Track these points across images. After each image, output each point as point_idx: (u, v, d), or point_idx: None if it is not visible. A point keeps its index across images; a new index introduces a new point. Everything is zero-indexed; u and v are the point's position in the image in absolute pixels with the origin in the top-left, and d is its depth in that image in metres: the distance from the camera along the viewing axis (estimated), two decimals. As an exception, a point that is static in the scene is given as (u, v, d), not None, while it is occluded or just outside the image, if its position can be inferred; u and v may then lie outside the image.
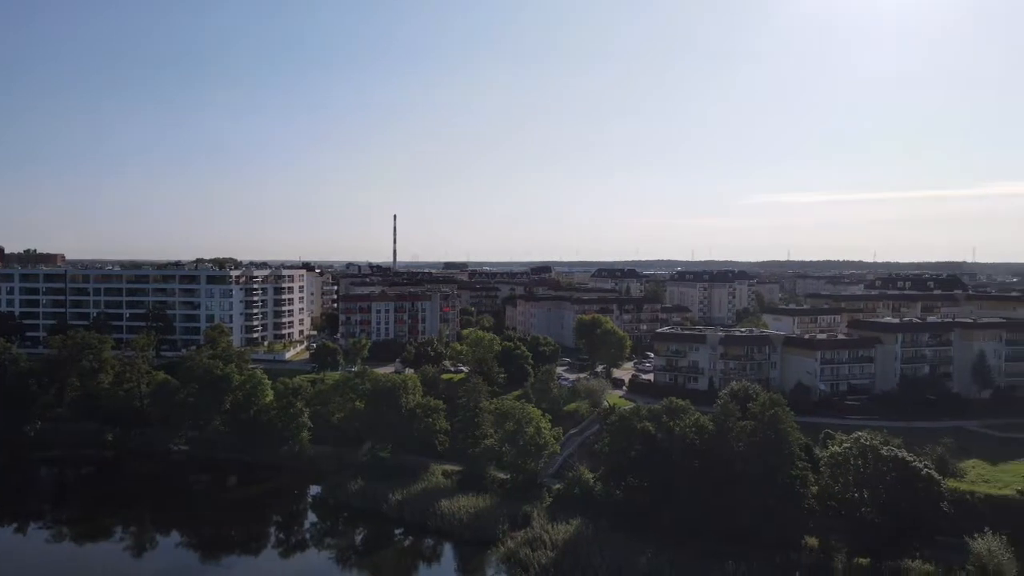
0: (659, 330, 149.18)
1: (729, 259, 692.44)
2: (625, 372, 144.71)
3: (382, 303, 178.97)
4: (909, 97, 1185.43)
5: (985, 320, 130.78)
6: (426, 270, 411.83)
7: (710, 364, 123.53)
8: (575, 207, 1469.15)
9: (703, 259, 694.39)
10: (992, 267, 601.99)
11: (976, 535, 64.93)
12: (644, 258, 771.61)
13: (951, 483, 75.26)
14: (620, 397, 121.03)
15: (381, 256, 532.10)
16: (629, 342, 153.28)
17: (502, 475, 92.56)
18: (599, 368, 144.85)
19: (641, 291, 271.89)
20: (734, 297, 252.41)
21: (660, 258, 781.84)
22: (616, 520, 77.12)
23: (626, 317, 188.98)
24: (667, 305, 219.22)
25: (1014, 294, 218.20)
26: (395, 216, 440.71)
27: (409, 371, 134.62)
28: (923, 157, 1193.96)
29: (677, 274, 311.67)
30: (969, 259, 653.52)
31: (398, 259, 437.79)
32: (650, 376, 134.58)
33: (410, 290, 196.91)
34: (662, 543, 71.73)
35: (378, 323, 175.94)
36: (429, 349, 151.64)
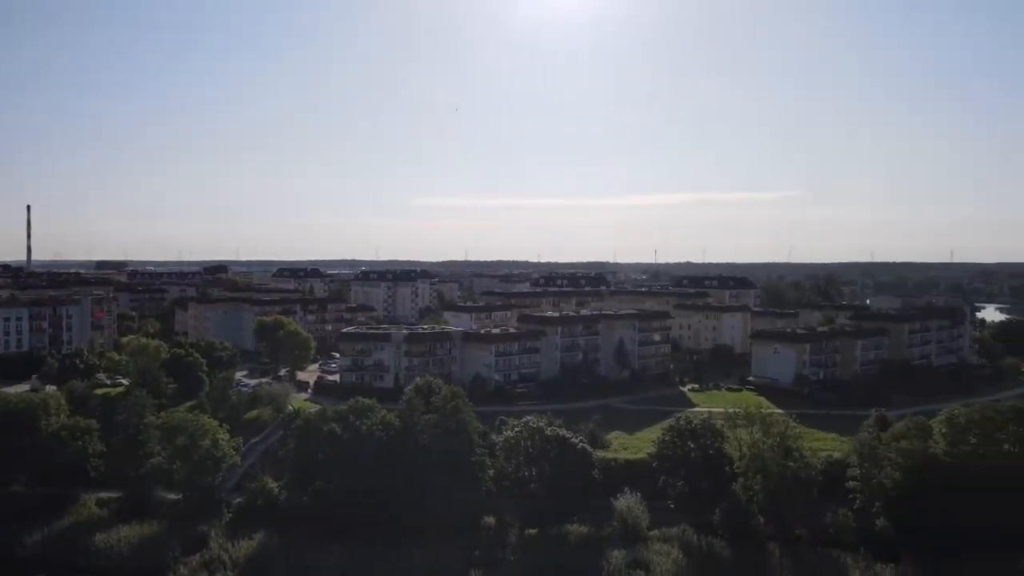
0: (344, 330, 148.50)
1: (413, 259, 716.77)
2: (310, 374, 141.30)
3: (11, 309, 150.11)
4: (565, 112, 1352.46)
5: (623, 312, 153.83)
6: (73, 270, 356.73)
7: (395, 362, 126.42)
8: (254, 204, 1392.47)
9: (387, 259, 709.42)
10: (629, 267, 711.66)
11: (619, 495, 76.25)
12: (327, 257, 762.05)
13: (600, 453, 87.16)
14: (305, 400, 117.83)
15: (12, 254, 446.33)
16: (314, 343, 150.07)
17: (173, 496, 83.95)
18: (283, 371, 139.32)
19: (325, 291, 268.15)
20: (417, 296, 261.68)
21: (344, 257, 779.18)
22: (306, 526, 75.01)
23: (310, 318, 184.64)
24: (352, 305, 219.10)
25: (643, 290, 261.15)
26: (28, 207, 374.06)
27: (51, 388, 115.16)
28: (576, 170, 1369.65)
29: (361, 273, 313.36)
30: (611, 260, 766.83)
31: (35, 257, 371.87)
32: (336, 377, 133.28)
33: (51, 293, 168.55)
34: (353, 542, 71.65)
35: (6, 333, 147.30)
36: (78, 361, 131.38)
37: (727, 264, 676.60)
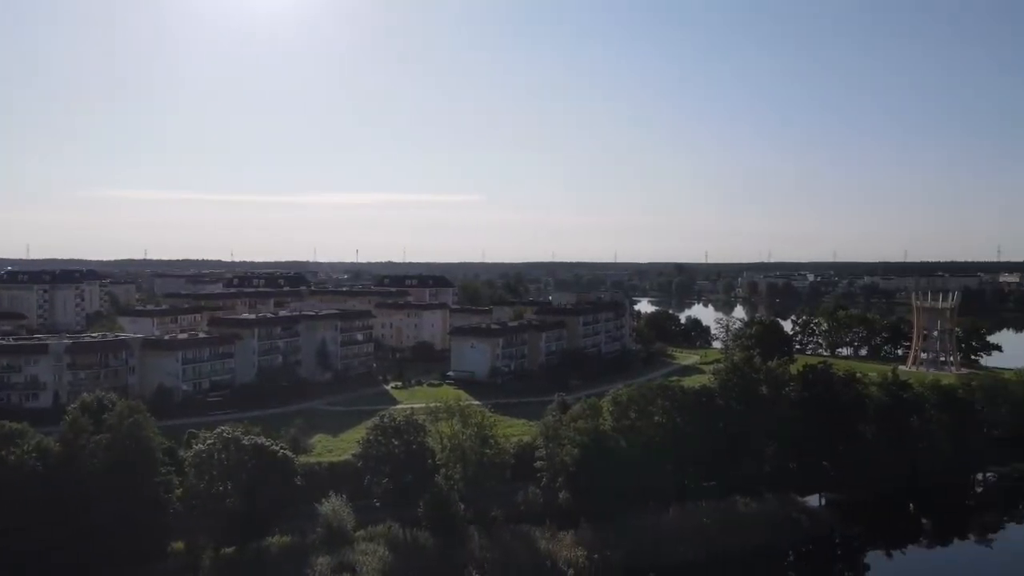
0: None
1: (77, 257, 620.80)
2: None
3: None
4: (263, 109, 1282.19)
5: (325, 312, 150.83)
6: None
7: (55, 377, 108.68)
8: None
9: (43, 257, 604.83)
10: (330, 266, 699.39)
11: (324, 500, 74.55)
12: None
13: (303, 459, 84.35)
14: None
15: None
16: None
17: None
18: None
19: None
20: (83, 300, 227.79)
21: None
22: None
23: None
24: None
25: (346, 289, 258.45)
26: None
27: None
28: (273, 167, 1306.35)
29: (7, 274, 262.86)
30: (312, 259, 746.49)
31: None
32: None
33: None
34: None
35: None
36: None
37: (426, 264, 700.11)
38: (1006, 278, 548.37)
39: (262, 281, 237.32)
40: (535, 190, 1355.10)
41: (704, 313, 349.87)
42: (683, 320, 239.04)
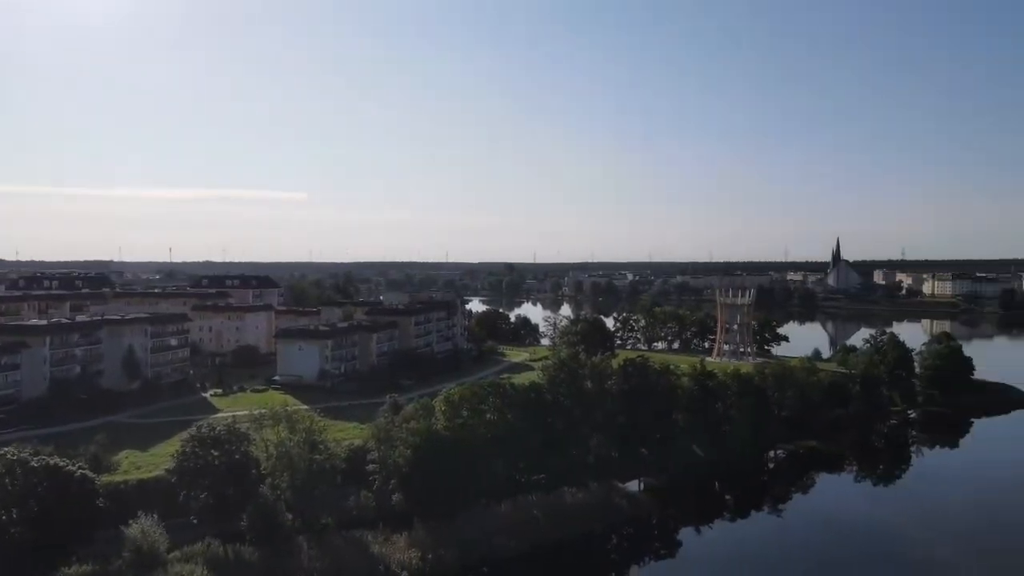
0: None
1: None
2: None
3: None
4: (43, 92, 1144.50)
5: (132, 316, 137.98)
6: None
7: None
8: None
9: None
10: (138, 265, 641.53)
11: (132, 521, 68.09)
12: None
13: (106, 478, 76.66)
14: None
15: None
16: None
17: None
18: None
19: None
20: None
21: None
22: None
23: None
24: None
25: (157, 291, 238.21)
26: None
27: None
28: (66, 156, 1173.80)
29: None
30: (116, 258, 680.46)
31: None
32: None
33: None
34: None
35: None
36: None
37: (250, 264, 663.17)
38: (792, 276, 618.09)
39: (56, 282, 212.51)
40: (364, 189, 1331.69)
41: (533, 311, 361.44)
42: (513, 319, 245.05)
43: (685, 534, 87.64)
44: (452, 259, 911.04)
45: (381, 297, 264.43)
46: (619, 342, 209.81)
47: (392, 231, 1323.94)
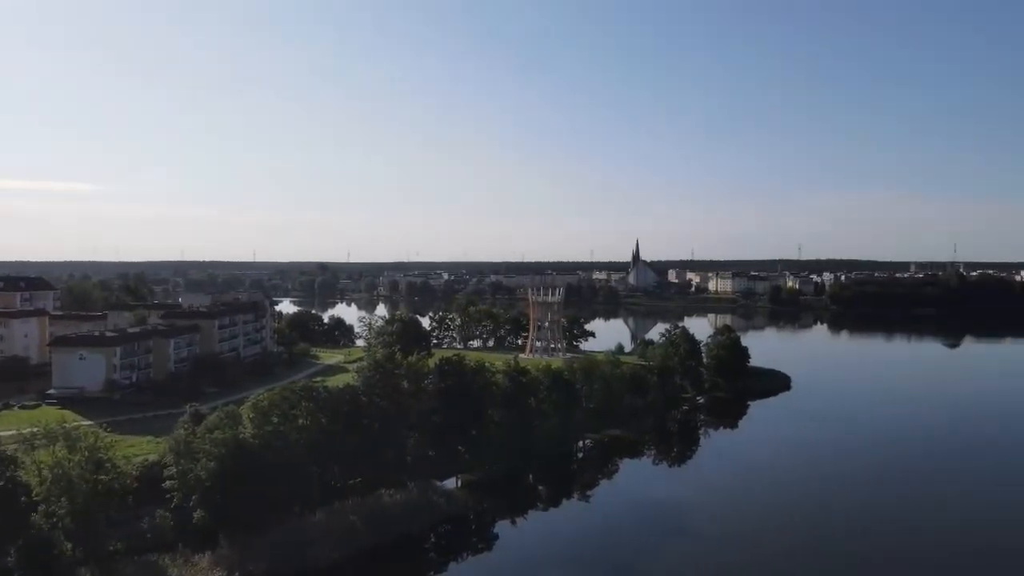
0: None
1: None
2: None
3: None
4: None
5: None
6: None
7: None
8: None
9: None
10: None
11: None
12: None
13: None
14: None
15: None
16: None
17: None
18: None
19: None
20: None
21: None
22: None
23: None
24: None
25: None
26: None
27: None
28: None
29: None
30: None
31: None
32: None
33: None
34: None
35: None
36: None
37: (18, 263, 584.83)
38: (597, 275, 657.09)
39: None
40: (157, 181, 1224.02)
41: (348, 312, 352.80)
42: (327, 320, 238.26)
43: (501, 527, 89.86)
44: (260, 259, 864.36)
45: (180, 299, 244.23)
46: (435, 341, 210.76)
47: (192, 228, 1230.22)
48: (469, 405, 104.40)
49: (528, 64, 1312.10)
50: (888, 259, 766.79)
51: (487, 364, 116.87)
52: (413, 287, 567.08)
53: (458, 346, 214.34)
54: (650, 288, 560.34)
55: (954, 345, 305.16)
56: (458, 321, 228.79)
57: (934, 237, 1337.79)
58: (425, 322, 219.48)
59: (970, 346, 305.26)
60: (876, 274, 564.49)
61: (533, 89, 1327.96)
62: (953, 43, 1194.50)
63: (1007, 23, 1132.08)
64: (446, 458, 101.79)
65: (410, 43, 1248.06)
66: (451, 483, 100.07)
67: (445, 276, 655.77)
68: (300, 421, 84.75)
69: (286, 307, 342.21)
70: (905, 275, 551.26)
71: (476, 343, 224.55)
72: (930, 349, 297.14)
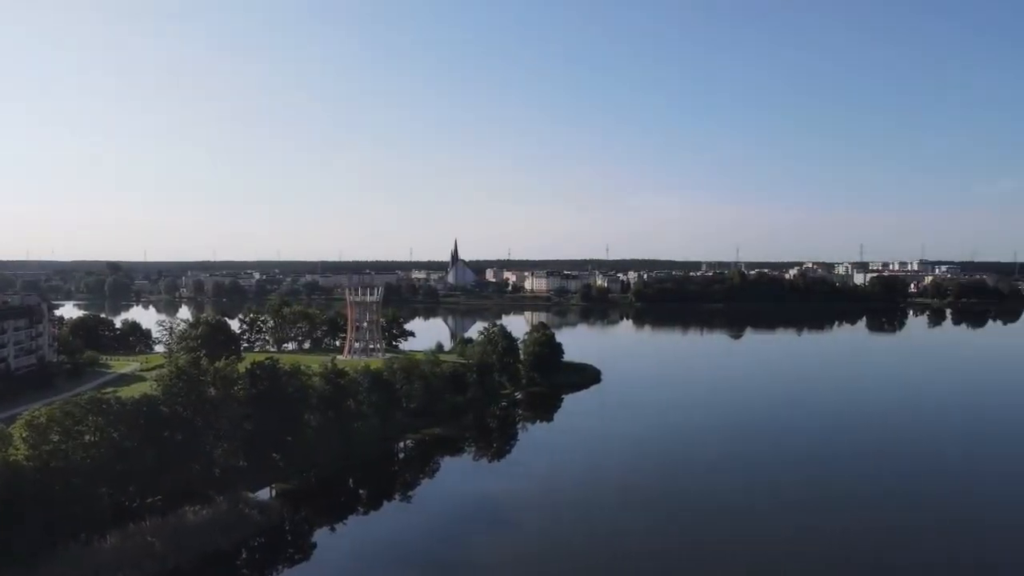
0: None
1: None
2: None
3: None
4: None
5: None
6: None
7: None
8: None
9: None
10: None
11: None
12: None
13: None
14: None
15: None
16: None
17: None
18: None
19: None
20: None
21: None
22: None
23: None
24: None
25: None
26: None
27: None
28: None
29: None
30: None
31: None
32: None
33: None
34: None
35: None
36: None
37: None
38: (417, 275, 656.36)
39: None
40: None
41: (145, 315, 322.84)
42: (119, 324, 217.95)
43: (320, 535, 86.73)
44: (34, 257, 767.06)
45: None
46: (246, 345, 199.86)
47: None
48: (283, 410, 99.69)
49: (336, 55, 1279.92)
50: (684, 259, 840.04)
51: (303, 367, 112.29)
52: (221, 288, 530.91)
53: (272, 349, 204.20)
54: (469, 287, 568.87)
55: (737, 336, 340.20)
56: (271, 323, 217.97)
57: (721, 240, 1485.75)
58: (235, 324, 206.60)
59: (750, 336, 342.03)
60: (673, 273, 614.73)
61: (352, 74, 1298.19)
62: (702, 65, 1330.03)
63: (752, 39, 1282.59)
64: (259, 467, 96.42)
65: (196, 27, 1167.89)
66: (265, 493, 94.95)
67: (256, 276, 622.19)
68: (88, 437, 76.17)
69: (69, 311, 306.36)
70: (697, 274, 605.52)
71: (291, 345, 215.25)
72: (719, 340, 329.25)
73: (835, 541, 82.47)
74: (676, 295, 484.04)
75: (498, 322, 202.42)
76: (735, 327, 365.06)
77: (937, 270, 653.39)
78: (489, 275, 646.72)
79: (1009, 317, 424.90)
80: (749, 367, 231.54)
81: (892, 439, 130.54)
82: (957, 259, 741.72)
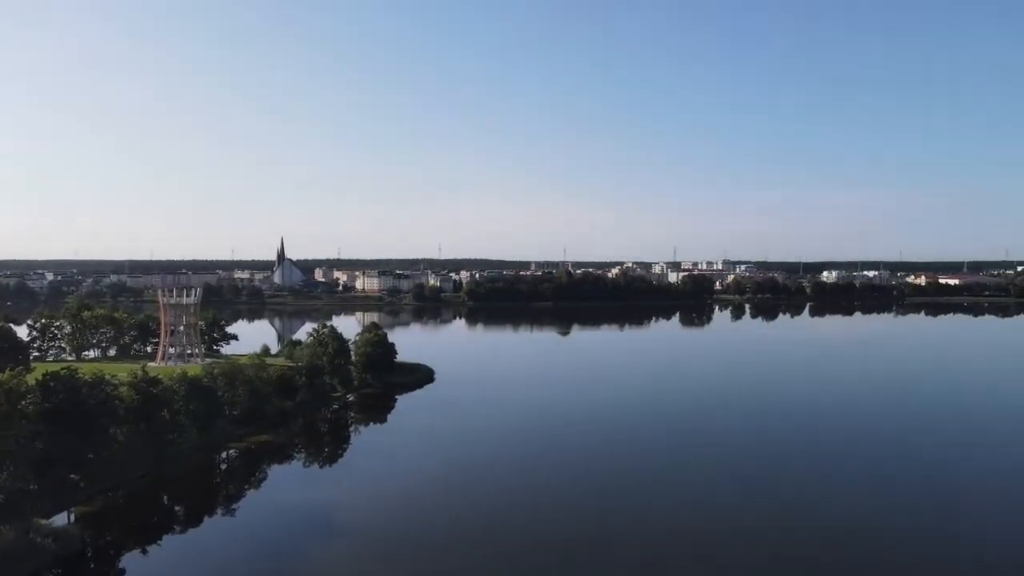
0: None
1: None
2: None
3: None
4: None
5: None
6: None
7: None
8: None
9: None
10: None
11: None
12: None
13: None
14: None
15: None
16: None
17: None
18: None
19: None
20: None
21: None
22: None
23: None
24: None
25: None
26: None
27: None
28: None
29: None
30: None
31: None
32: None
33: None
34: None
35: None
36: None
37: None
38: (240, 275, 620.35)
39: None
40: None
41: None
42: None
43: (129, 559, 78.94)
44: None
45: None
46: (37, 354, 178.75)
47: None
48: (83, 425, 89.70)
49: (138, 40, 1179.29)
50: (515, 259, 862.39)
51: (107, 376, 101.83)
52: (5, 290, 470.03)
53: (69, 358, 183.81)
54: (297, 287, 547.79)
55: (565, 333, 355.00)
56: (68, 328, 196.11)
57: (550, 239, 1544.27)
58: (22, 331, 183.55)
59: (577, 333, 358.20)
60: (504, 272, 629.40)
61: (159, 49, 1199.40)
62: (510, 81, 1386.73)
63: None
64: (54, 490, 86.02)
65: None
66: (62, 518, 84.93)
67: (49, 277, 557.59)
68: None
69: None
70: (527, 273, 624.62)
71: (94, 353, 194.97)
72: (548, 337, 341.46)
73: (632, 524, 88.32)
74: (507, 294, 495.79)
75: (328, 323, 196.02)
76: (563, 324, 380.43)
77: (737, 269, 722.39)
78: (318, 275, 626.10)
79: (795, 311, 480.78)
80: (577, 363, 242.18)
81: (711, 429, 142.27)
82: (754, 259, 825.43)
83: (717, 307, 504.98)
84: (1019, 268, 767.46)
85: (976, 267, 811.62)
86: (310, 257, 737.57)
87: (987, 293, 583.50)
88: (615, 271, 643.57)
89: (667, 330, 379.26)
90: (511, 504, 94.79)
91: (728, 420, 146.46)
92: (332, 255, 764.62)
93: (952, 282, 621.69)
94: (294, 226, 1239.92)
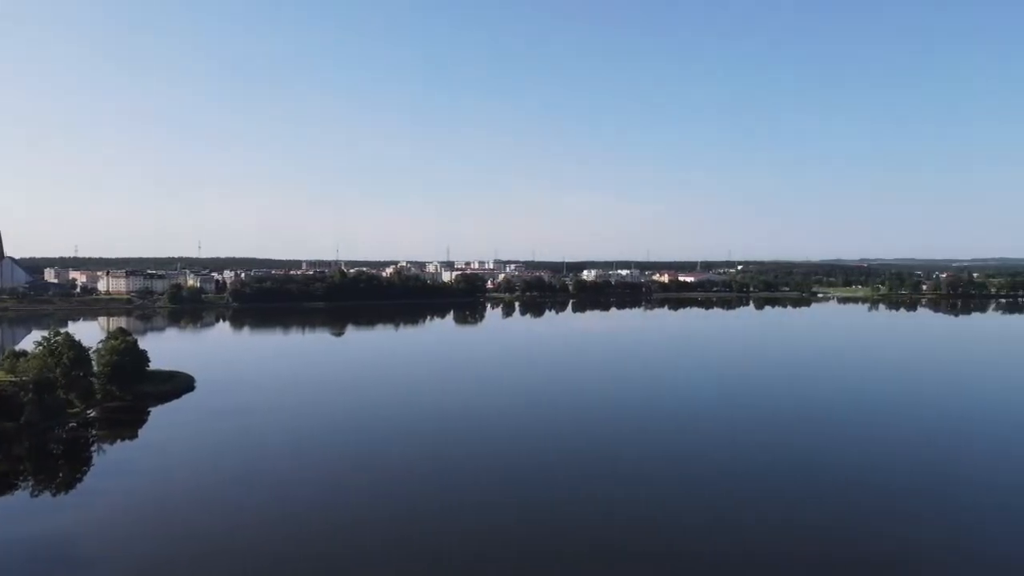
0: None
1: None
2: None
3: None
4: None
5: None
6: None
7: None
8: None
9: None
10: None
11: None
12: None
13: None
14: None
15: None
16: None
17: None
18: None
19: None
20: None
21: None
22: None
23: None
24: None
25: None
26: None
27: None
28: None
29: None
30: None
31: None
32: None
33: None
34: None
35: None
36: None
37: None
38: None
39: None
40: None
41: None
42: None
43: None
44: None
45: None
46: None
47: None
48: None
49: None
50: (284, 258, 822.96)
51: None
52: None
53: None
54: (22, 290, 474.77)
55: (339, 333, 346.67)
56: None
57: (321, 238, 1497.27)
58: None
59: (352, 333, 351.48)
60: (273, 272, 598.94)
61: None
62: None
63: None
64: None
65: None
66: None
67: None
68: None
69: None
70: (298, 273, 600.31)
71: None
72: (319, 339, 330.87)
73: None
74: (276, 294, 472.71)
75: (63, 329, 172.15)
76: (337, 325, 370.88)
77: (508, 268, 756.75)
78: (50, 275, 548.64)
79: (560, 307, 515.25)
80: (349, 365, 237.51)
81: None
82: (523, 259, 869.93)
83: (489, 305, 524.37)
84: (739, 267, 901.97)
85: (707, 266, 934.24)
86: (39, 255, 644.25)
87: (716, 289, 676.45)
88: (389, 270, 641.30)
89: (441, 328, 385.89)
90: (278, 512, 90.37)
91: (489, 416, 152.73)
92: (68, 253, 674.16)
93: (689, 279, 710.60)
94: (15, 221, 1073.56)
